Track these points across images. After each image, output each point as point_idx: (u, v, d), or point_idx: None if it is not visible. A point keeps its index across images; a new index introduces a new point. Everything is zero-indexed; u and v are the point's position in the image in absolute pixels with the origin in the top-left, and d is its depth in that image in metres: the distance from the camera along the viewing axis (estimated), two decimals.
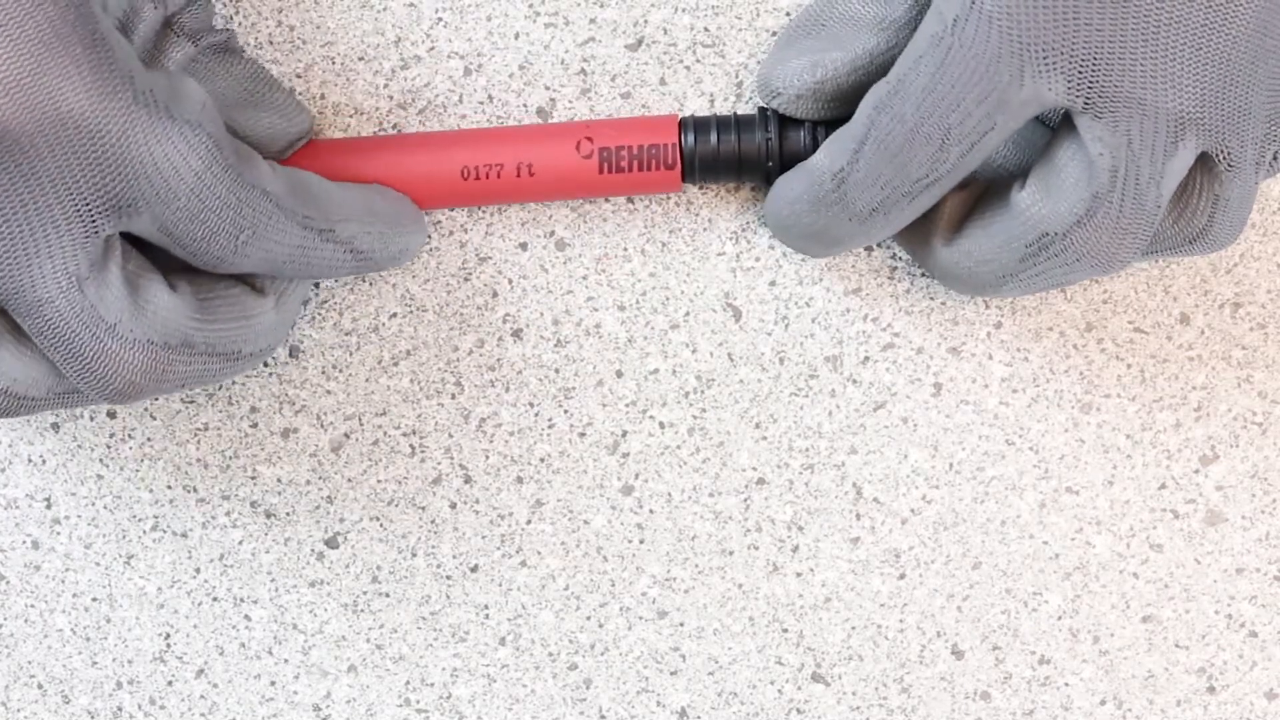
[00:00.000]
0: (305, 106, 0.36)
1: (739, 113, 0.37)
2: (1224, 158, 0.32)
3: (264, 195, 0.32)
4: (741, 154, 0.35)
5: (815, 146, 0.35)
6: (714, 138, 0.35)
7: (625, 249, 0.38)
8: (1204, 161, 0.33)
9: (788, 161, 0.35)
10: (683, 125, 0.36)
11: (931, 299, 0.38)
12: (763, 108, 0.36)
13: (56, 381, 0.33)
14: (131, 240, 0.33)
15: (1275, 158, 0.33)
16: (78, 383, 0.32)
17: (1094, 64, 0.31)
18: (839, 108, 0.35)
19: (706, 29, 0.37)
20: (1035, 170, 0.33)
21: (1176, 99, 0.31)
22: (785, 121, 0.35)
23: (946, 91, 0.31)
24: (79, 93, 0.30)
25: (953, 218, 0.35)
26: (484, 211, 0.38)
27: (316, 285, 0.38)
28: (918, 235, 0.35)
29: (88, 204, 0.30)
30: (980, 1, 0.31)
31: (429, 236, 0.38)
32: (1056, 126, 0.33)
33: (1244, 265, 0.38)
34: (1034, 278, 0.34)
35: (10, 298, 0.31)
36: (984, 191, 0.35)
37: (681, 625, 0.39)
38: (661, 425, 0.39)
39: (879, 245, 0.38)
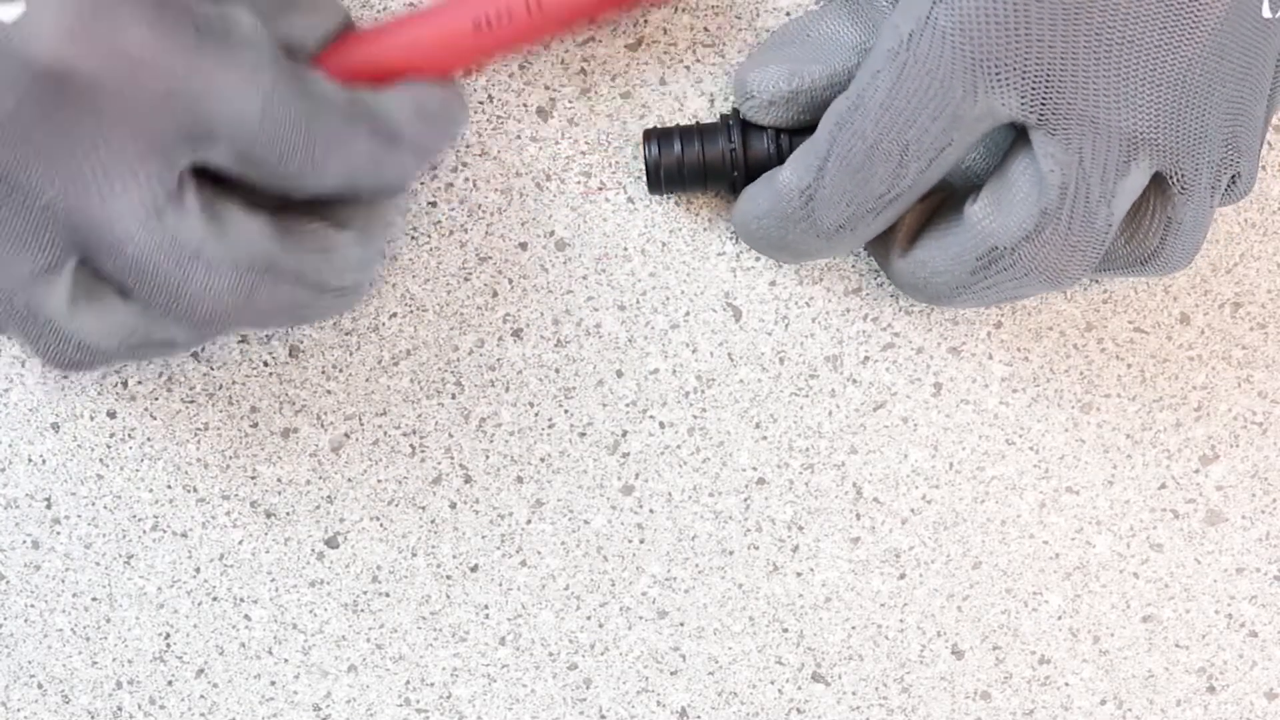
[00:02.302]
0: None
1: (701, 121, 0.37)
2: (1178, 180, 0.32)
3: (331, 105, 0.32)
4: (706, 163, 0.36)
5: (778, 154, 0.35)
6: (678, 148, 0.36)
7: (625, 249, 0.38)
8: (1158, 183, 0.33)
9: (752, 169, 0.35)
10: (646, 136, 0.36)
11: (927, 305, 0.38)
12: (725, 116, 0.36)
13: (129, 331, 0.33)
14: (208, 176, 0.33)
15: (1233, 181, 0.33)
16: (166, 314, 0.32)
17: (1047, 81, 0.31)
18: (808, 118, 0.35)
19: (706, 29, 0.37)
20: (988, 184, 0.33)
21: (1130, 119, 0.31)
22: (748, 130, 0.35)
23: (903, 107, 0.31)
24: (143, 31, 0.30)
25: (909, 229, 0.35)
26: (484, 211, 0.38)
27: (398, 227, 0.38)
28: (878, 244, 0.36)
29: (161, 139, 0.30)
30: (934, 17, 0.31)
31: (429, 235, 0.38)
32: (1016, 136, 0.33)
33: (1244, 265, 0.38)
34: (985, 290, 0.34)
35: (91, 240, 0.31)
36: (942, 202, 0.35)
37: (681, 625, 0.39)
38: (661, 425, 0.39)
39: None
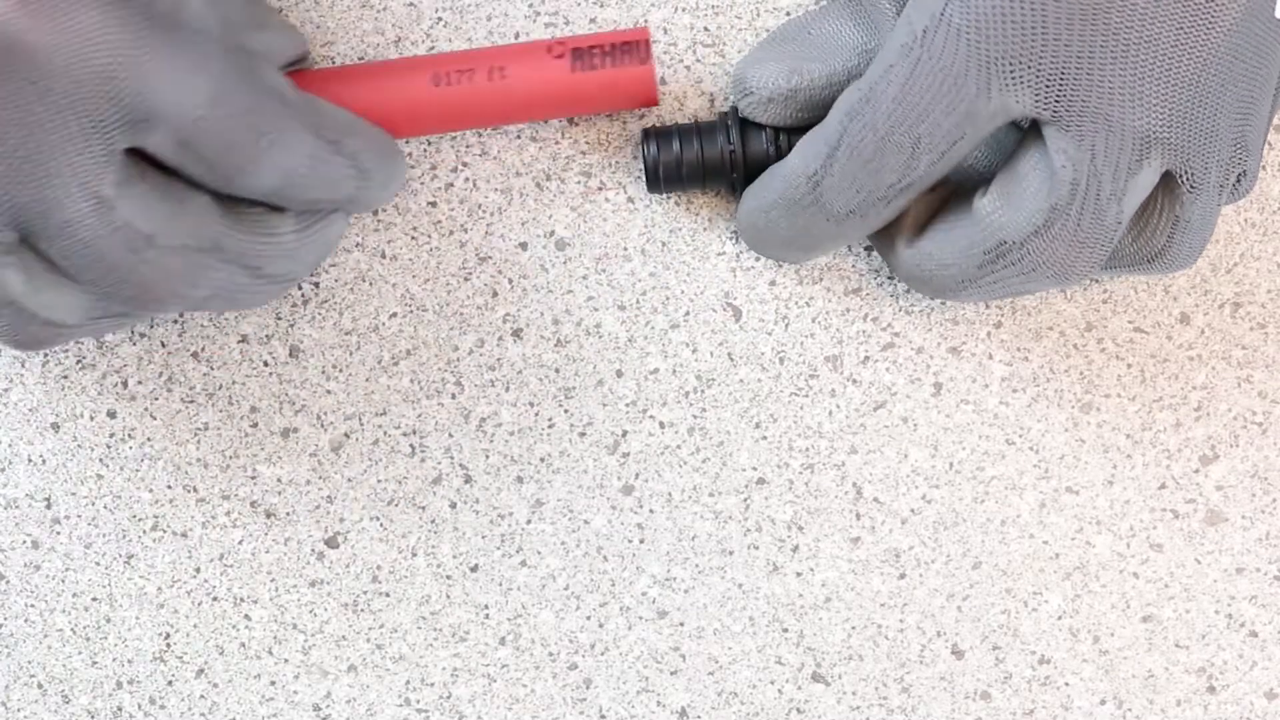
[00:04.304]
0: (298, 29, 0.36)
1: (700, 120, 0.37)
2: (1187, 179, 0.32)
3: (280, 98, 0.32)
4: (705, 162, 0.36)
5: (777, 153, 0.35)
6: (676, 147, 0.36)
7: (625, 249, 0.38)
8: (1167, 181, 0.33)
9: (750, 169, 0.35)
10: (644, 135, 0.36)
11: (932, 298, 0.38)
12: (723, 114, 0.36)
13: (92, 305, 0.33)
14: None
15: (1240, 180, 0.33)
16: (113, 293, 0.32)
17: (1061, 78, 0.31)
18: (805, 116, 0.35)
19: (706, 29, 0.37)
20: (998, 178, 0.33)
21: (1143, 117, 0.31)
22: (746, 129, 0.35)
23: (916, 102, 0.31)
24: (93, 7, 0.29)
25: (917, 220, 0.35)
26: (484, 211, 0.38)
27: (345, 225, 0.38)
28: (884, 235, 0.35)
29: (102, 119, 0.30)
30: (948, 14, 0.31)
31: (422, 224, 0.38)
32: (1024, 132, 0.33)
33: (1244, 265, 0.38)
34: (993, 284, 0.34)
35: (36, 220, 0.31)
36: (950, 195, 0.35)
37: (681, 625, 0.39)
38: (661, 425, 0.39)
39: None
